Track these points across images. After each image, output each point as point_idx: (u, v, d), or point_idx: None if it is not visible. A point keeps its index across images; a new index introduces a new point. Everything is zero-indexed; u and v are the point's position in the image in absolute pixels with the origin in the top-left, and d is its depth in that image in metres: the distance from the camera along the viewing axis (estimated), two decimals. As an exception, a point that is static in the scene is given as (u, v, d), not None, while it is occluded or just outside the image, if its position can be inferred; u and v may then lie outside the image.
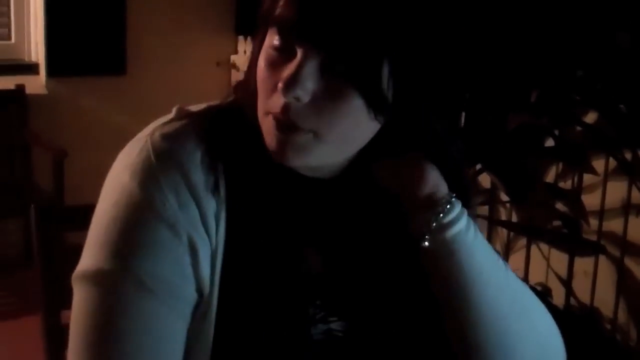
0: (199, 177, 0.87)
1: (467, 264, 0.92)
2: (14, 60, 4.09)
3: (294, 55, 0.82)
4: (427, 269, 0.93)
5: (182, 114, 0.94)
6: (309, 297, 0.94)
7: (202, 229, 0.87)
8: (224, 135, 0.91)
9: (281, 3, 0.83)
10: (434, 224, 0.91)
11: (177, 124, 0.91)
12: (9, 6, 4.06)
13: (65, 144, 3.64)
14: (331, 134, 0.84)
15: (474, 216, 1.02)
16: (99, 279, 0.85)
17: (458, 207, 0.92)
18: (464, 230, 0.92)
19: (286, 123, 0.83)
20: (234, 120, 0.92)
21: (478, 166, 2.51)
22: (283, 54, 0.83)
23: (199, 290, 0.88)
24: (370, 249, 0.96)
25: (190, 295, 0.87)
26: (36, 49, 4.09)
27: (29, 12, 4.07)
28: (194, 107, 0.96)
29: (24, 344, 2.81)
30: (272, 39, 0.85)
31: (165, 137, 0.88)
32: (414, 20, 0.83)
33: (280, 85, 0.81)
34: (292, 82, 0.80)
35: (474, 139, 2.35)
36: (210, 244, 0.88)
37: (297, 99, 0.81)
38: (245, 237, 0.90)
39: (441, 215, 0.91)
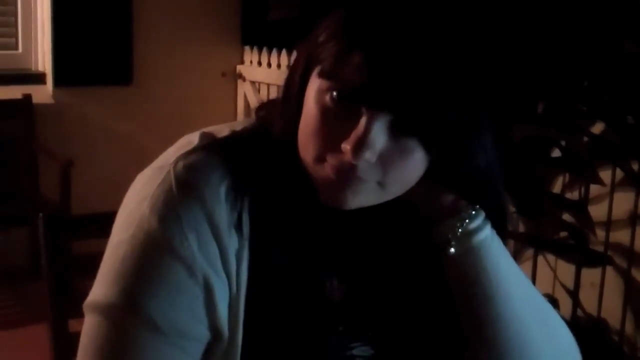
0: (222, 214, 0.84)
1: (494, 272, 0.90)
2: (21, 70, 4.10)
3: (357, 112, 0.79)
4: (451, 278, 0.92)
5: (207, 141, 0.90)
6: (331, 325, 0.93)
7: (220, 269, 0.85)
8: (251, 169, 0.88)
9: (347, 64, 0.78)
10: (460, 230, 0.89)
11: (201, 154, 0.87)
12: (16, 16, 4.07)
13: (71, 153, 3.65)
14: (395, 184, 0.83)
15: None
16: (110, 313, 0.84)
17: (482, 216, 0.91)
18: (489, 237, 0.90)
19: (352, 176, 0.80)
20: (261, 152, 0.89)
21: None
22: (343, 109, 0.80)
23: (213, 329, 0.86)
24: (392, 272, 0.95)
25: (201, 335, 0.86)
26: (43, 59, 4.10)
27: (37, 22, 4.08)
28: (218, 131, 0.92)
29: (30, 353, 2.82)
30: (329, 89, 0.81)
31: (189, 168, 0.85)
32: (473, 71, 0.83)
33: (347, 147, 0.78)
34: (361, 146, 0.78)
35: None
36: (230, 284, 0.86)
37: (367, 161, 0.79)
38: (268, 274, 0.88)
39: (467, 221, 0.89)
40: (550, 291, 2.85)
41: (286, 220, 0.88)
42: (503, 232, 0.94)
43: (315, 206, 0.86)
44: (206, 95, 4.30)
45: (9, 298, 3.69)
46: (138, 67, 4.20)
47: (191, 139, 0.91)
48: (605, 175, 2.57)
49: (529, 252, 2.87)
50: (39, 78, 4.08)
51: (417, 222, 0.93)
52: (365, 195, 0.83)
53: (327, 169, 0.82)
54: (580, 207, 2.66)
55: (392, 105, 0.78)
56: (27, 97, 3.92)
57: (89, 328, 0.86)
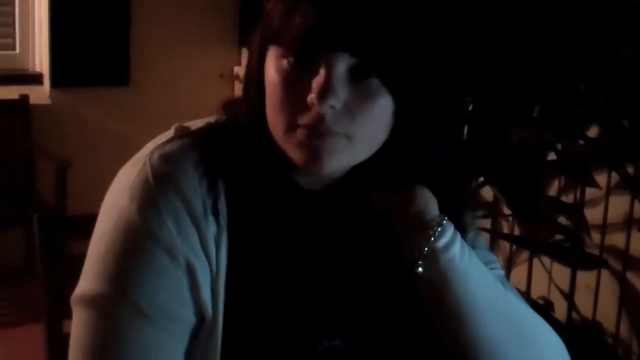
0: (198, 200, 0.86)
1: (462, 292, 0.90)
2: (18, 71, 4.10)
3: (314, 66, 0.82)
4: (423, 294, 0.92)
5: (181, 133, 0.93)
6: (311, 313, 0.94)
7: (201, 253, 0.87)
8: (224, 155, 0.90)
9: (296, 15, 0.81)
10: (426, 249, 0.89)
11: (176, 144, 0.90)
12: (13, 16, 4.07)
13: (68, 154, 3.65)
14: (363, 134, 0.84)
15: (476, 229, 1.02)
16: (97, 303, 0.85)
17: (450, 231, 0.91)
18: (458, 255, 0.90)
19: (320, 131, 0.82)
20: (234, 138, 0.91)
21: (480, 179, 2.51)
22: (301, 68, 0.83)
23: (199, 313, 0.87)
24: (366, 266, 0.96)
25: (188, 319, 0.87)
26: (40, 60, 4.10)
27: (34, 22, 4.08)
28: (193, 124, 0.95)
29: (25, 353, 2.82)
30: (284, 55, 0.84)
31: (165, 158, 0.88)
32: (427, 13, 0.85)
33: (312, 96, 0.81)
34: (325, 92, 0.80)
35: (476, 153, 2.35)
36: (210, 267, 0.87)
37: (332, 108, 0.81)
38: (247, 257, 0.90)
39: (432, 239, 0.89)
40: (545, 294, 2.86)
41: (262, 204, 0.90)
42: (460, 222, 0.94)
43: (290, 188, 0.90)
44: (203, 97, 4.29)
45: (4, 298, 3.69)
46: (135, 68, 4.20)
47: (167, 133, 0.94)
48: (601, 178, 2.57)
49: (525, 255, 2.88)
50: (36, 78, 4.08)
51: (392, 230, 0.94)
52: (337, 154, 0.84)
53: (298, 134, 0.84)
54: (575, 210, 2.67)
55: (345, 43, 0.80)
56: (24, 98, 3.92)
57: (78, 321, 0.87)
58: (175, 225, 0.85)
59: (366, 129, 0.84)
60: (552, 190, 2.80)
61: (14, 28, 4.09)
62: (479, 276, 0.93)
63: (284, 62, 0.84)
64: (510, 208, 2.46)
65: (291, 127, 0.84)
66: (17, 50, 4.11)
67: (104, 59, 4.11)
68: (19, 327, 3.41)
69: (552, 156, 2.50)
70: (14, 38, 4.10)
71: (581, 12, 2.13)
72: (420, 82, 0.85)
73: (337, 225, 0.95)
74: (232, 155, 0.90)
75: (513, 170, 2.35)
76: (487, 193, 2.76)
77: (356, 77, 0.82)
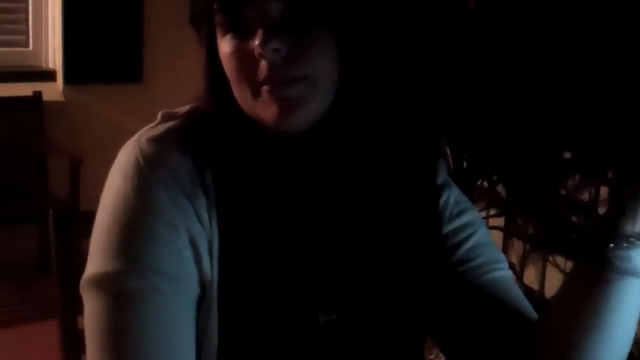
0: (186, 176, 0.90)
1: (626, 323, 0.88)
2: (31, 67, 4.12)
3: (253, 26, 0.85)
4: (588, 301, 0.88)
5: (167, 117, 0.97)
6: (306, 286, 0.94)
7: (197, 223, 0.89)
8: (207, 133, 0.94)
9: None
10: (624, 253, 0.85)
11: (162, 127, 0.94)
12: (27, 13, 4.08)
13: (81, 150, 3.66)
14: (318, 72, 0.87)
15: (484, 225, 1.02)
16: (105, 281, 0.87)
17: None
18: None
19: (279, 80, 0.85)
20: (213, 119, 0.95)
21: (494, 177, 2.50)
22: (243, 35, 0.87)
23: (202, 283, 0.90)
24: (360, 224, 0.96)
25: (194, 289, 0.89)
26: (54, 56, 4.11)
27: (47, 19, 4.10)
28: (179, 109, 0.99)
29: (39, 349, 2.83)
30: (225, 30, 0.88)
31: (151, 140, 0.92)
32: None
33: (256, 46, 0.84)
34: (266, 38, 0.83)
35: (489, 150, 2.34)
36: (207, 236, 0.90)
37: (277, 50, 0.84)
38: (238, 229, 0.92)
39: (630, 243, 0.85)
40: (559, 293, 2.84)
41: (246, 176, 0.93)
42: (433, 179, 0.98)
43: (272, 156, 0.93)
44: (216, 94, 4.30)
45: (17, 295, 3.70)
46: (148, 65, 4.21)
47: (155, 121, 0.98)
48: (616, 177, 2.55)
49: (539, 254, 2.86)
50: (49, 75, 4.09)
51: (387, 181, 0.96)
52: (304, 102, 0.87)
53: (263, 94, 0.87)
54: (590, 209, 2.65)
55: None
56: (38, 94, 3.93)
57: (89, 305, 0.88)
58: (170, 199, 0.88)
59: (319, 66, 0.87)
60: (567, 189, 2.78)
61: (27, 25, 4.11)
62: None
63: (227, 37, 0.88)
64: (523, 206, 2.45)
65: (255, 91, 0.88)
66: (31, 47, 4.13)
67: (116, 56, 4.12)
68: (33, 323, 3.43)
69: (566, 154, 2.49)
70: (27, 35, 4.12)
71: (598, 19, 2.12)
72: (350, 10, 0.88)
73: (323, 178, 0.96)
74: (213, 133, 0.94)
75: (527, 169, 2.34)
76: (501, 191, 2.75)
77: (291, 19, 0.85)
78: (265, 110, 0.88)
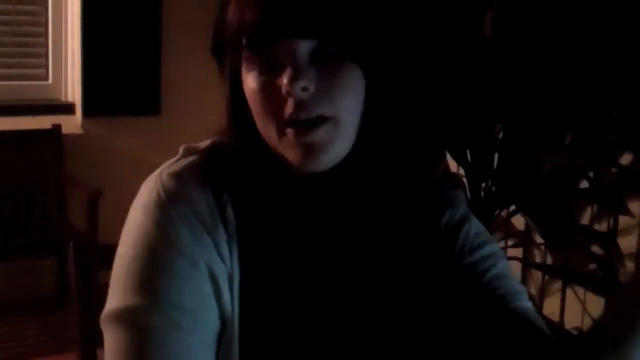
0: (207, 211, 0.90)
1: None
2: (50, 100, 4.15)
3: (282, 64, 0.86)
4: None
5: (188, 151, 0.98)
6: (326, 314, 0.94)
7: (218, 258, 0.90)
8: (227, 168, 0.94)
9: (247, 17, 0.86)
10: None
11: (183, 162, 0.95)
12: (47, 47, 4.13)
13: (99, 183, 3.68)
14: (344, 112, 0.87)
15: (504, 257, 1.01)
16: (126, 316, 0.87)
17: None
18: None
19: (305, 119, 0.86)
20: (234, 153, 0.95)
21: (512, 207, 2.50)
22: (270, 70, 0.87)
23: (222, 318, 0.90)
24: (378, 256, 0.96)
25: (214, 324, 0.89)
26: (73, 90, 4.15)
27: (66, 53, 4.14)
28: (200, 144, 1.00)
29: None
30: (253, 65, 0.88)
31: (173, 175, 0.93)
32: None
33: (284, 83, 0.84)
34: (294, 76, 0.84)
35: (508, 180, 2.33)
36: (227, 271, 0.90)
37: (305, 89, 0.84)
38: (258, 263, 0.92)
39: None
40: (579, 324, 2.82)
41: (267, 210, 0.93)
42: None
43: (294, 192, 0.93)
44: (233, 126, 4.31)
45: (36, 327, 3.70)
46: (166, 97, 4.23)
47: (176, 156, 0.99)
48: (635, 206, 2.54)
49: (557, 284, 2.85)
50: (69, 108, 4.12)
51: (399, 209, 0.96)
52: (330, 144, 0.87)
53: (289, 135, 0.87)
54: (609, 239, 2.63)
55: (297, 29, 0.85)
56: (57, 127, 3.96)
57: (109, 340, 0.88)
58: (191, 234, 0.89)
59: (345, 104, 0.87)
60: (585, 219, 2.77)
61: (46, 59, 4.15)
62: None
63: (253, 72, 0.88)
64: (542, 237, 2.44)
65: (281, 129, 0.88)
66: (50, 81, 4.16)
67: (135, 89, 4.15)
68: (51, 356, 3.42)
69: (584, 184, 2.48)
70: (46, 69, 4.16)
71: (614, 38, 2.12)
72: (380, 46, 0.90)
73: (343, 216, 0.96)
74: (234, 168, 0.94)
75: (545, 198, 2.33)
76: (519, 222, 2.74)
77: (319, 58, 0.86)
78: (289, 151, 0.88)
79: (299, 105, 0.85)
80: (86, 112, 4.06)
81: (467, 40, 2.15)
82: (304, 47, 0.86)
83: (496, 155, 2.37)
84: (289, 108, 0.86)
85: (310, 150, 0.87)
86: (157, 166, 0.98)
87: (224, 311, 0.90)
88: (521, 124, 2.27)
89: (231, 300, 0.90)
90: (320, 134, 0.87)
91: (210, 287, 0.89)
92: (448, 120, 2.27)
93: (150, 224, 0.89)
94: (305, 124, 0.86)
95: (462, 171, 2.44)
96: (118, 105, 4.12)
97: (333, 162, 0.90)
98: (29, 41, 4.12)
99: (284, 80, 0.84)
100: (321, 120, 0.86)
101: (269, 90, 0.87)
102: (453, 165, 2.47)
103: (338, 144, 0.88)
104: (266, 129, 0.90)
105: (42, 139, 3.94)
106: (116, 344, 0.87)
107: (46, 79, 4.17)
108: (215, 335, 0.90)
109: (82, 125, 4.09)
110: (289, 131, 0.87)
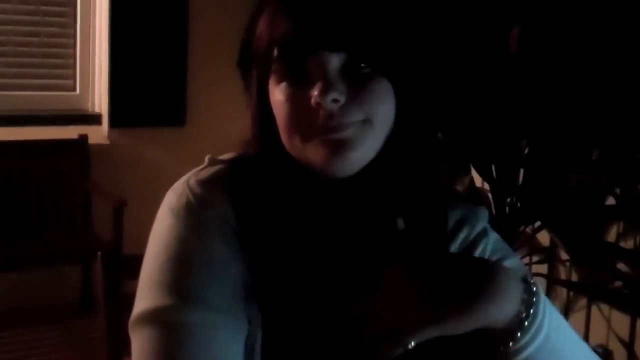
0: (232, 217, 0.92)
1: None
2: (77, 111, 4.19)
3: (312, 76, 0.87)
4: None
5: (213, 162, 0.99)
6: (348, 330, 0.92)
7: (246, 264, 0.91)
8: (251, 178, 0.95)
9: (277, 30, 0.87)
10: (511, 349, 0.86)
11: (210, 171, 0.97)
12: (75, 59, 4.17)
13: (125, 193, 3.70)
14: (376, 117, 0.88)
15: (529, 274, 1.00)
16: (159, 316, 0.87)
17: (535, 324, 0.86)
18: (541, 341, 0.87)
19: (335, 126, 0.86)
20: (258, 164, 0.96)
21: (537, 224, 2.48)
22: (299, 83, 0.88)
23: (249, 320, 0.90)
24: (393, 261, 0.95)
25: (244, 327, 0.90)
26: (99, 100, 4.18)
27: (94, 64, 4.18)
28: (224, 156, 1.01)
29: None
30: (281, 77, 0.89)
31: (201, 182, 0.94)
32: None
33: (315, 95, 0.85)
34: (325, 89, 0.85)
35: (533, 196, 2.32)
36: (252, 278, 0.91)
37: (336, 101, 0.85)
38: (281, 272, 0.92)
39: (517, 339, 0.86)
40: (604, 342, 2.79)
41: (290, 221, 0.93)
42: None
43: (316, 201, 0.93)
44: (258, 138, 4.32)
45: (60, 335, 3.72)
46: (192, 109, 4.26)
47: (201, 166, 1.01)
48: (662, 224, 2.52)
49: (583, 302, 2.82)
50: (95, 119, 4.16)
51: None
52: (357, 144, 0.87)
53: (316, 141, 0.88)
54: (635, 257, 2.61)
55: (328, 42, 0.86)
56: (83, 138, 4.00)
57: (140, 342, 0.87)
58: (222, 238, 0.90)
59: (375, 110, 0.88)
60: (611, 236, 2.74)
61: (74, 70, 4.19)
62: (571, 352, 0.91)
63: (282, 84, 0.89)
64: (568, 253, 2.43)
65: (307, 137, 0.88)
66: (77, 92, 4.20)
67: (161, 100, 4.18)
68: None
69: (610, 201, 2.46)
70: (74, 79, 4.20)
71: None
72: (408, 60, 0.91)
73: (362, 225, 0.95)
74: (257, 178, 0.95)
75: (571, 215, 2.32)
76: (544, 238, 2.73)
77: (350, 71, 0.87)
78: (315, 152, 0.88)
79: (329, 117, 0.86)
80: (112, 122, 4.10)
81: (493, 55, 2.15)
82: (334, 61, 0.86)
83: (521, 171, 2.36)
84: (318, 119, 0.86)
85: (337, 148, 0.87)
86: (182, 176, 0.99)
87: (250, 316, 0.90)
88: (547, 139, 2.26)
89: (256, 307, 0.90)
90: (349, 132, 0.87)
91: (241, 290, 0.89)
92: (473, 135, 2.26)
93: (182, 227, 0.90)
94: (334, 129, 0.87)
95: (487, 186, 2.43)
96: (144, 116, 4.15)
97: (359, 162, 0.89)
98: (57, 52, 4.17)
99: (315, 92, 0.85)
100: (352, 124, 0.87)
101: (297, 101, 0.88)
102: (478, 180, 2.46)
103: (365, 143, 0.88)
104: (290, 137, 0.90)
105: (69, 148, 3.98)
106: (149, 345, 0.86)
107: (74, 89, 4.21)
108: (244, 336, 0.90)
109: (109, 136, 4.12)
110: (319, 137, 0.87)
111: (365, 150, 0.89)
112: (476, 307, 0.81)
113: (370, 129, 0.88)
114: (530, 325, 0.86)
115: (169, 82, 4.20)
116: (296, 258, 0.93)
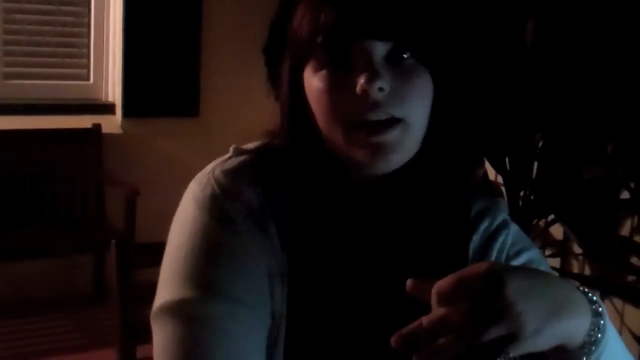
0: (258, 208, 0.91)
1: None
2: (91, 100, 4.20)
3: (355, 64, 0.86)
4: None
5: (238, 152, 0.98)
6: (374, 325, 0.93)
7: (272, 256, 0.90)
8: (278, 168, 0.94)
9: (322, 19, 0.86)
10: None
11: (235, 161, 0.95)
12: (89, 48, 4.18)
13: (137, 182, 3.71)
14: (415, 115, 0.88)
15: (545, 263, 1.00)
16: (183, 308, 0.86)
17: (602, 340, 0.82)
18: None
19: (377, 119, 0.85)
20: (285, 154, 0.95)
21: (551, 217, 2.47)
22: (342, 70, 0.87)
23: (273, 315, 0.90)
24: (424, 263, 0.95)
25: (267, 320, 0.89)
26: (113, 90, 4.19)
27: (108, 54, 4.18)
28: (248, 145, 1.00)
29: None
30: (322, 65, 0.88)
31: (226, 173, 0.93)
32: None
33: (362, 83, 0.84)
34: (372, 76, 0.84)
35: (547, 190, 2.31)
36: (279, 270, 0.90)
37: (382, 90, 0.84)
38: (308, 263, 0.91)
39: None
40: (616, 336, 2.78)
41: (320, 212, 0.93)
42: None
43: (348, 194, 0.93)
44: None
45: (73, 323, 3.74)
46: (205, 99, 4.26)
47: (226, 155, 0.99)
48: (676, 218, 2.51)
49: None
50: (109, 108, 4.17)
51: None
52: (399, 146, 0.87)
53: (361, 135, 0.87)
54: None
55: (374, 30, 0.85)
56: (97, 127, 4.01)
57: (163, 333, 0.86)
58: (248, 229, 0.89)
59: (416, 109, 0.88)
60: (625, 230, 2.73)
61: (88, 59, 4.20)
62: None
63: (324, 71, 0.88)
64: (581, 247, 2.42)
65: (351, 126, 0.87)
66: (91, 81, 4.22)
67: (174, 91, 4.19)
68: (87, 351, 3.46)
69: (625, 194, 2.45)
70: (88, 69, 4.21)
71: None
72: (449, 52, 0.91)
73: (394, 221, 0.95)
74: (286, 168, 0.94)
75: (585, 209, 2.31)
76: (558, 231, 2.72)
77: (394, 60, 0.87)
78: (359, 151, 0.88)
79: (372, 105, 0.85)
80: (126, 112, 4.10)
81: (508, 47, 2.14)
82: (380, 49, 0.86)
83: (535, 164, 2.35)
84: (359, 108, 0.85)
85: (381, 150, 0.87)
86: (195, 167, 0.98)
87: (274, 310, 0.89)
88: (561, 132, 2.25)
89: (281, 299, 0.90)
90: (391, 135, 0.86)
91: (266, 282, 0.89)
92: (487, 128, 2.25)
93: (207, 218, 0.89)
94: (377, 125, 0.86)
95: (500, 179, 2.42)
96: (157, 106, 4.15)
97: (400, 163, 0.90)
98: (72, 42, 4.17)
99: (361, 79, 0.84)
100: (392, 121, 0.86)
101: (338, 89, 0.87)
102: (491, 174, 2.45)
103: (407, 146, 0.89)
104: (332, 128, 0.89)
105: (82, 138, 3.99)
106: (172, 336, 0.85)
107: (87, 79, 4.22)
108: (267, 330, 0.89)
109: (122, 125, 4.13)
110: (360, 131, 0.87)
111: (405, 152, 0.89)
112: (561, 322, 0.76)
113: (410, 131, 0.88)
114: (602, 337, 0.81)
115: (182, 72, 4.21)
116: (328, 252, 0.92)
